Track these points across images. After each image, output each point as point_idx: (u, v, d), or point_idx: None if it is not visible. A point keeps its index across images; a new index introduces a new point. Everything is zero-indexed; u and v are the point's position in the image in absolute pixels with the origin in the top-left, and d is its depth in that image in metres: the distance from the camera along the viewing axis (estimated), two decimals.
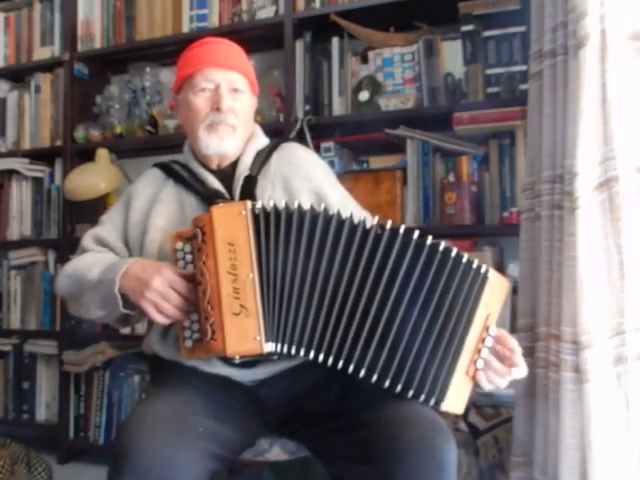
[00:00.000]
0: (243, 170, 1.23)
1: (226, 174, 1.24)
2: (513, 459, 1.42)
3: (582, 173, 1.22)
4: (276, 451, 1.24)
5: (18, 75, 2.62)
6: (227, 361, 1.11)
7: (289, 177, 1.24)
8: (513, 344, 1.02)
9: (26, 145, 2.55)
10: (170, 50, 2.34)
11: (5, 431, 2.38)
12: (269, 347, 0.99)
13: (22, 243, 2.50)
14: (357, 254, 1.00)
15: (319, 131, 2.02)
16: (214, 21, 2.24)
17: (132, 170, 2.49)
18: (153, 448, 0.93)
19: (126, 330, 2.28)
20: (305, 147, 1.38)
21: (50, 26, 2.53)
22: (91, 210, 2.41)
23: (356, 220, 1.01)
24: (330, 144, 2.00)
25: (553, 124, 1.34)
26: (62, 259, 2.39)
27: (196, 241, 1.03)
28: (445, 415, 1.02)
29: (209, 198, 1.19)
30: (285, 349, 1.00)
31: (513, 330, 1.63)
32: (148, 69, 2.39)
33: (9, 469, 1.83)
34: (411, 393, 0.99)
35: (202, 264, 1.01)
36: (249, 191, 1.19)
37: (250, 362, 1.12)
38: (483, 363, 1.02)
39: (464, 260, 1.00)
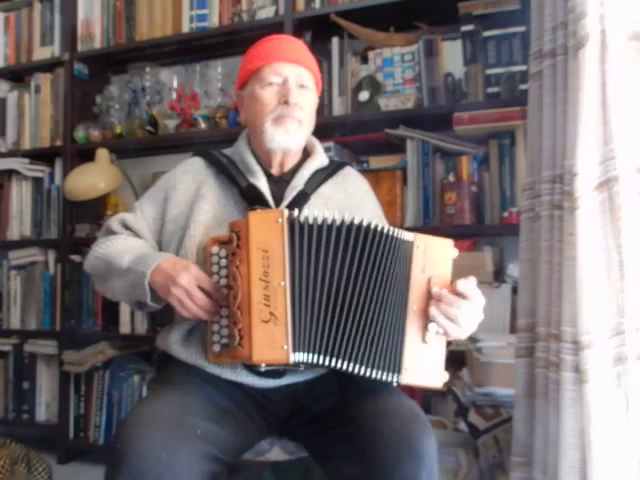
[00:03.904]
0: (298, 183, 1.23)
1: (281, 182, 1.24)
2: (513, 459, 1.42)
3: (582, 173, 1.22)
4: (276, 451, 1.24)
5: (18, 75, 2.63)
6: (253, 369, 1.12)
7: (343, 205, 1.26)
8: (460, 286, 1.02)
9: (26, 145, 2.55)
10: (170, 50, 2.35)
11: (5, 431, 2.38)
12: (295, 357, 1.00)
13: (22, 243, 2.50)
14: (359, 258, 1.02)
15: (319, 131, 2.00)
16: (214, 21, 2.24)
17: (132, 170, 2.49)
18: (151, 450, 0.93)
19: (126, 330, 2.29)
20: (360, 174, 1.40)
21: (50, 26, 2.53)
22: (91, 210, 2.42)
23: (365, 224, 1.03)
24: (330, 144, 2.00)
25: (553, 124, 1.34)
26: (62, 259, 2.39)
27: (231, 245, 1.03)
28: (435, 410, 1.03)
29: (249, 196, 1.19)
30: (310, 359, 1.01)
31: (513, 330, 1.63)
32: (148, 69, 2.39)
33: (9, 469, 1.83)
34: (378, 374, 1.01)
35: (235, 269, 1.02)
36: (297, 206, 1.17)
37: (278, 372, 1.13)
38: (436, 327, 1.03)
39: (385, 231, 1.02)
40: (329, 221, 1.03)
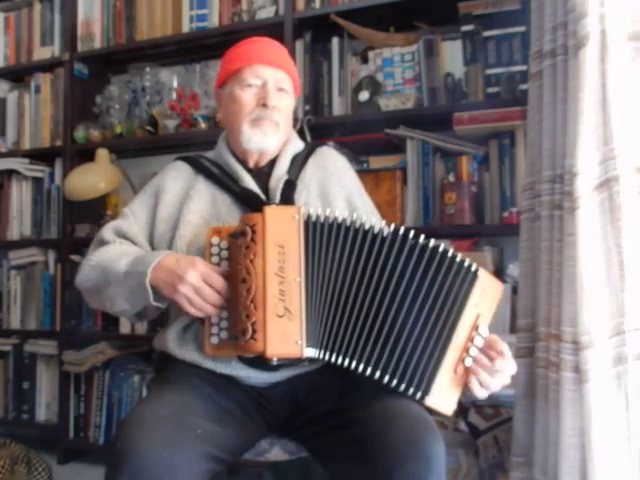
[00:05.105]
0: (281, 173, 1.24)
1: (262, 174, 1.25)
2: (513, 459, 1.42)
3: (582, 173, 1.22)
4: (276, 451, 1.24)
5: (18, 75, 2.63)
6: (248, 362, 1.11)
7: (324, 183, 1.27)
8: (503, 347, 1.03)
9: (26, 145, 2.55)
10: (170, 50, 2.35)
11: (5, 431, 2.38)
12: (308, 352, 1.00)
13: (22, 243, 2.50)
14: (374, 262, 1.03)
15: (319, 131, 2.02)
16: (214, 21, 2.24)
17: (132, 170, 2.49)
18: (152, 449, 0.93)
19: (126, 330, 2.29)
20: (337, 152, 1.40)
21: (50, 26, 2.53)
22: (91, 210, 2.42)
23: (377, 229, 1.04)
24: (330, 144, 1.99)
25: (553, 124, 1.34)
26: (62, 259, 2.39)
27: (244, 239, 1.03)
28: (436, 415, 1.03)
29: (245, 199, 1.20)
30: (322, 355, 1.02)
31: (513, 330, 1.63)
32: (148, 69, 2.39)
33: (9, 469, 1.84)
34: (403, 387, 1.01)
35: (249, 262, 1.01)
36: (288, 195, 1.20)
37: (274, 365, 1.13)
38: (472, 362, 1.03)
39: (457, 259, 1.03)
40: (347, 222, 1.04)
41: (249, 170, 1.26)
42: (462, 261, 1.03)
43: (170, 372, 1.17)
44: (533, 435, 1.36)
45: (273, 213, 1.03)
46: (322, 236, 1.04)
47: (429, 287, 1.02)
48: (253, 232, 1.02)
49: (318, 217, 1.04)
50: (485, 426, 1.58)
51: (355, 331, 1.02)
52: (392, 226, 1.04)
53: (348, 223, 1.04)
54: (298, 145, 1.33)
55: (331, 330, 1.02)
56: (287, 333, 0.99)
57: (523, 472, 1.39)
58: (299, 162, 1.28)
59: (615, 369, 1.22)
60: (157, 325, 2.21)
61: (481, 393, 1.04)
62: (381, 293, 1.02)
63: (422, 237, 1.03)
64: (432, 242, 1.03)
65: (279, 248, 1.01)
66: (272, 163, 1.27)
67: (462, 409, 1.65)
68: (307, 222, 1.03)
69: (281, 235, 1.01)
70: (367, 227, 1.04)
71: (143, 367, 2.30)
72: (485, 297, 1.04)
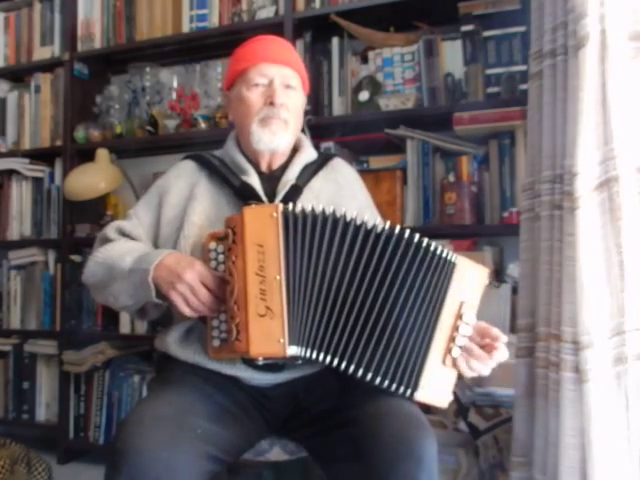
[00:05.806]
0: (290, 178, 1.24)
1: (272, 179, 1.25)
2: (513, 459, 1.42)
3: (582, 173, 1.22)
4: (276, 451, 1.24)
5: (18, 75, 2.63)
6: (251, 364, 1.12)
7: (334, 195, 1.27)
8: (497, 332, 1.04)
9: (26, 145, 2.55)
10: (170, 50, 2.35)
11: (5, 431, 2.38)
12: (292, 350, 0.99)
13: (22, 243, 2.50)
14: (368, 259, 1.02)
15: (319, 131, 2.02)
16: (214, 21, 2.24)
17: (132, 170, 2.49)
18: (151, 449, 0.93)
19: (126, 330, 2.29)
20: (348, 165, 1.40)
21: (50, 26, 2.53)
22: (91, 210, 2.42)
23: (370, 225, 1.03)
24: (330, 144, 2.00)
25: (553, 124, 1.34)
26: (62, 259, 2.39)
27: (227, 241, 1.04)
28: (435, 412, 1.03)
29: (243, 194, 1.20)
30: (307, 353, 1.01)
31: (513, 330, 1.63)
32: (148, 69, 2.39)
33: (9, 469, 1.83)
34: (389, 385, 1.01)
35: (231, 264, 1.02)
36: (291, 200, 1.18)
37: (277, 366, 1.13)
38: (459, 351, 1.03)
39: (432, 248, 1.02)
40: (326, 216, 1.02)
41: (261, 173, 1.26)
42: (435, 249, 1.02)
43: (171, 372, 1.17)
44: (533, 435, 1.36)
45: (251, 213, 1.02)
46: (304, 232, 1.02)
47: (403, 280, 1.01)
48: (234, 234, 1.03)
49: (301, 212, 1.02)
50: (485, 426, 1.58)
51: (339, 329, 1.01)
52: (368, 217, 1.04)
53: (338, 215, 1.02)
54: (311, 154, 1.32)
55: (314, 328, 1.01)
56: (269, 332, 0.98)
57: (523, 472, 1.39)
58: (310, 171, 1.28)
59: (615, 369, 1.22)
60: (157, 325, 2.21)
61: (470, 374, 1.05)
62: (373, 291, 1.01)
63: (397, 228, 1.02)
64: (407, 233, 1.02)
65: (258, 247, 1.00)
66: (284, 169, 1.27)
67: (462, 409, 1.65)
68: (287, 219, 1.02)
69: (260, 234, 1.01)
70: (359, 222, 1.03)
71: (143, 367, 2.30)
72: (467, 284, 1.04)
